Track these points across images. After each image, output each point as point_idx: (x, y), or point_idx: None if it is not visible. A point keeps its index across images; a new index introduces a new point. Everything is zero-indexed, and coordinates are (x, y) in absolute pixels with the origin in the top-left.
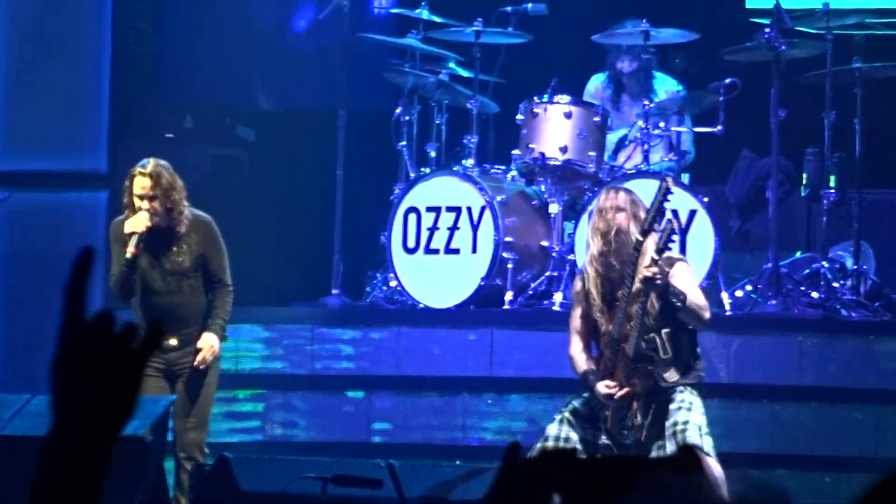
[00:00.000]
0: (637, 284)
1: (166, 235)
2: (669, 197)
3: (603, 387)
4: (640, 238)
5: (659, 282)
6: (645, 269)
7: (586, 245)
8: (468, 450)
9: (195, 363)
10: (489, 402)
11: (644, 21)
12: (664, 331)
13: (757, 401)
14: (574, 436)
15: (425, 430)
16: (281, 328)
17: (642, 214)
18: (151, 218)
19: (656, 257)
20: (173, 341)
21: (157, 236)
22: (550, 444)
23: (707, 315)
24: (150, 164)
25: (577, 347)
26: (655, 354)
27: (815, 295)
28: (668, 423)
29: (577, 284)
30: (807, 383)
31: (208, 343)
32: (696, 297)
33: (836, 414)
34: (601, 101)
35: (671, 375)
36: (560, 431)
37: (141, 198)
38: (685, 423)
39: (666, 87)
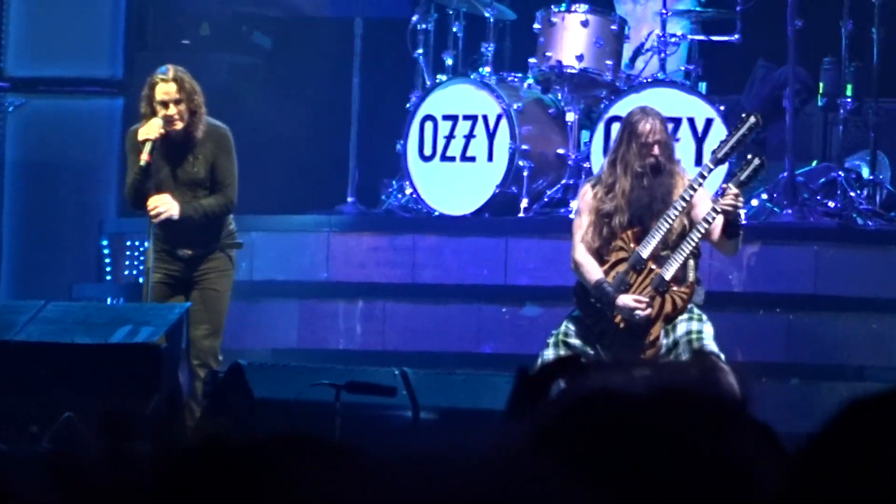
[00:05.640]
0: (707, 210)
1: (183, 144)
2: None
3: (632, 300)
4: (712, 167)
5: (738, 211)
6: (732, 197)
7: (614, 153)
8: (481, 357)
9: (150, 208)
10: (503, 310)
11: None
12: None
13: (771, 310)
14: None
15: (439, 338)
16: (296, 236)
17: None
18: (173, 123)
19: (736, 190)
20: (188, 251)
21: (174, 146)
22: None
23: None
24: (171, 69)
25: (585, 255)
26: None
27: (831, 204)
28: (680, 333)
29: (589, 195)
30: (822, 292)
31: (167, 201)
32: None
33: (852, 323)
34: None
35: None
36: (557, 356)
37: (165, 104)
38: (699, 332)
39: None
